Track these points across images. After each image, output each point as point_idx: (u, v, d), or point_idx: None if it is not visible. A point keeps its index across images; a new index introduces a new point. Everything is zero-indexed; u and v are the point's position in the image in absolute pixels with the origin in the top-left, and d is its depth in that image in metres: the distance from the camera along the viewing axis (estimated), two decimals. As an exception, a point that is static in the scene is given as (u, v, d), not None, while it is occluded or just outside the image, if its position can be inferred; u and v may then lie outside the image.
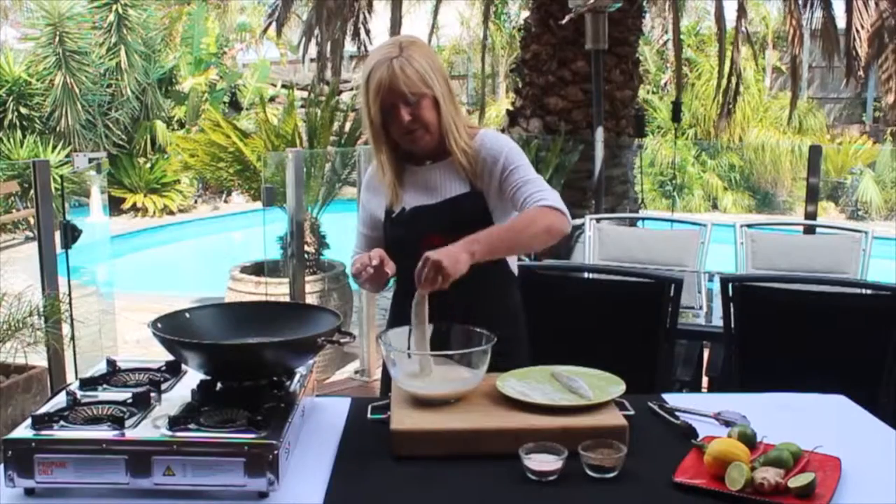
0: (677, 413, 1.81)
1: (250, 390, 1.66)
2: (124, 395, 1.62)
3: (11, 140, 10.34)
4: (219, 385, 1.67)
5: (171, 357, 1.74)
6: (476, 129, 2.09)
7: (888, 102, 8.52)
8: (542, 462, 1.51)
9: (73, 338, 3.97)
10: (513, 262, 2.15)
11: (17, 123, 10.58)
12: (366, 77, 1.96)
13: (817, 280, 2.97)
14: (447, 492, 1.50)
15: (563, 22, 5.15)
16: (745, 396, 2.02)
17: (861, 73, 6.51)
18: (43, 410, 1.54)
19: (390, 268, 1.94)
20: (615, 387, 1.76)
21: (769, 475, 1.45)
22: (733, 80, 6.62)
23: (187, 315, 1.80)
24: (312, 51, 7.26)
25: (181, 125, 12.06)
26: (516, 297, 2.17)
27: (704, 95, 12.59)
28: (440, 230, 1.94)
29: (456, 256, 1.77)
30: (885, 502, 1.47)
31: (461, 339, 1.85)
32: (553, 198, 1.94)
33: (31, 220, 8.93)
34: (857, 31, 6.04)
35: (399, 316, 2.07)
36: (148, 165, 11.75)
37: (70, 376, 3.81)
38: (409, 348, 1.85)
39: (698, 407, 1.85)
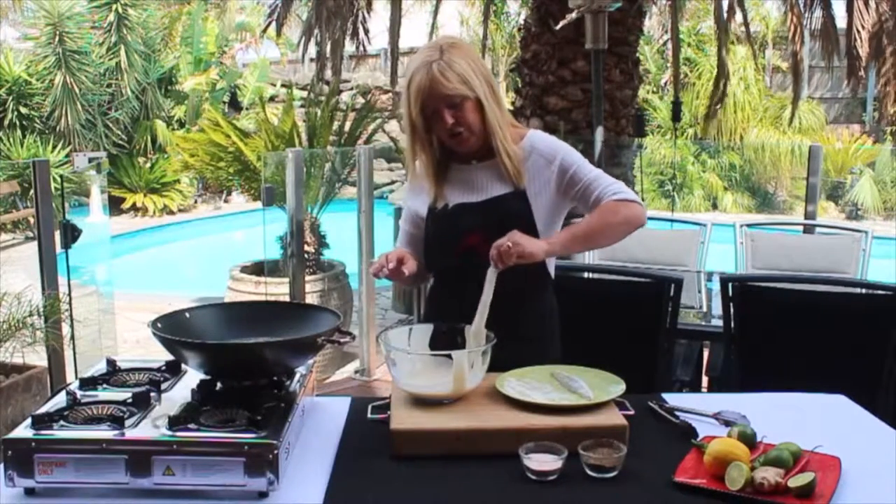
0: (677, 413, 1.81)
1: (250, 390, 1.66)
2: (124, 394, 1.62)
3: (11, 140, 10.34)
4: (219, 385, 1.67)
5: (171, 357, 1.74)
6: (521, 129, 2.09)
7: (888, 104, 8.53)
8: (542, 462, 1.51)
9: (72, 338, 3.97)
10: (550, 264, 2.14)
11: (17, 123, 10.58)
12: (407, 81, 1.96)
13: (817, 280, 2.97)
14: (447, 492, 1.50)
15: (559, 27, 5.14)
16: (745, 396, 2.02)
17: (862, 73, 6.50)
18: (43, 410, 1.54)
19: (409, 267, 1.95)
20: (615, 387, 1.76)
21: (769, 475, 1.45)
22: (722, 81, 6.61)
23: (187, 315, 1.81)
24: (312, 50, 7.26)
25: (181, 125, 12.06)
26: (552, 298, 2.17)
27: (704, 95, 12.58)
28: (481, 228, 1.96)
29: (534, 242, 1.86)
30: (885, 502, 1.47)
31: (461, 339, 1.85)
32: (625, 189, 1.99)
33: (31, 220, 8.93)
34: (858, 31, 6.04)
35: (434, 312, 2.10)
36: (148, 165, 11.75)
37: (70, 376, 3.81)
38: (408, 347, 1.85)
39: (698, 407, 1.85)
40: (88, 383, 1.70)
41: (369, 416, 1.74)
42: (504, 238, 1.83)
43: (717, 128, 12.48)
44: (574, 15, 4.39)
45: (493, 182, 2.04)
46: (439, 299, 2.15)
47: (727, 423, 1.76)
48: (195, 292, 6.60)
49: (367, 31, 7.26)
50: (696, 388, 3.43)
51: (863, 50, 6.09)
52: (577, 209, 2.07)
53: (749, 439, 1.60)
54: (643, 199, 2.10)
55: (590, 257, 4.36)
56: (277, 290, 4.98)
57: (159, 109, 11.81)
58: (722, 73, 6.53)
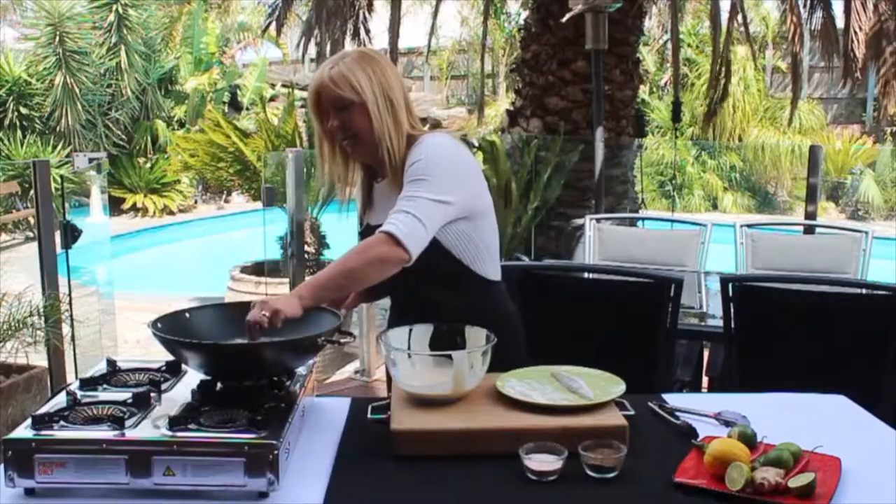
0: (677, 413, 1.81)
1: (250, 390, 1.66)
2: (124, 395, 1.62)
3: (11, 140, 10.35)
4: (219, 385, 1.67)
5: (171, 357, 1.74)
6: (417, 137, 1.99)
7: (888, 104, 8.52)
8: (542, 462, 1.51)
9: (73, 338, 3.98)
10: (492, 271, 2.09)
11: (17, 123, 10.59)
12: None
13: (817, 280, 2.97)
14: (447, 492, 1.50)
15: (564, 20, 5.14)
16: (745, 396, 2.02)
17: (858, 74, 6.51)
18: (43, 410, 1.54)
19: (347, 304, 2.03)
20: (615, 387, 1.76)
21: (769, 475, 1.45)
22: (721, 80, 6.61)
23: (187, 315, 1.80)
24: (312, 51, 7.26)
25: (181, 125, 12.06)
26: (503, 304, 2.13)
27: (705, 95, 12.59)
28: None
29: (285, 301, 1.72)
30: (885, 502, 1.47)
31: (461, 339, 1.85)
32: (400, 223, 1.82)
33: (31, 220, 8.93)
34: (855, 32, 6.04)
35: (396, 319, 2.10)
36: (148, 165, 11.76)
37: (70, 376, 3.81)
38: (409, 348, 1.85)
39: (698, 407, 1.85)
40: (88, 383, 1.70)
41: (369, 416, 1.74)
42: (256, 310, 1.70)
43: (717, 128, 12.49)
44: (580, 7, 4.39)
45: (393, 198, 1.95)
46: (397, 315, 2.16)
47: (727, 424, 1.75)
48: (195, 292, 6.60)
49: (367, 31, 7.27)
50: (696, 388, 3.43)
51: (859, 51, 6.09)
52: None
53: (749, 439, 1.60)
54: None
55: (590, 257, 4.36)
56: (277, 290, 4.99)
57: (159, 110, 11.81)
58: (722, 72, 6.53)
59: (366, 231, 2.12)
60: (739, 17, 6.70)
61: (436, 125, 6.19)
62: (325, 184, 2.10)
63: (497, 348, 1.77)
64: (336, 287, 1.84)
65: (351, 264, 1.83)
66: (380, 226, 1.87)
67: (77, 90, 10.69)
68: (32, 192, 3.82)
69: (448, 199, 1.91)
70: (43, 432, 1.46)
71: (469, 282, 2.04)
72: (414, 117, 2.03)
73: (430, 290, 2.01)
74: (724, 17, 6.51)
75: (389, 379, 2.16)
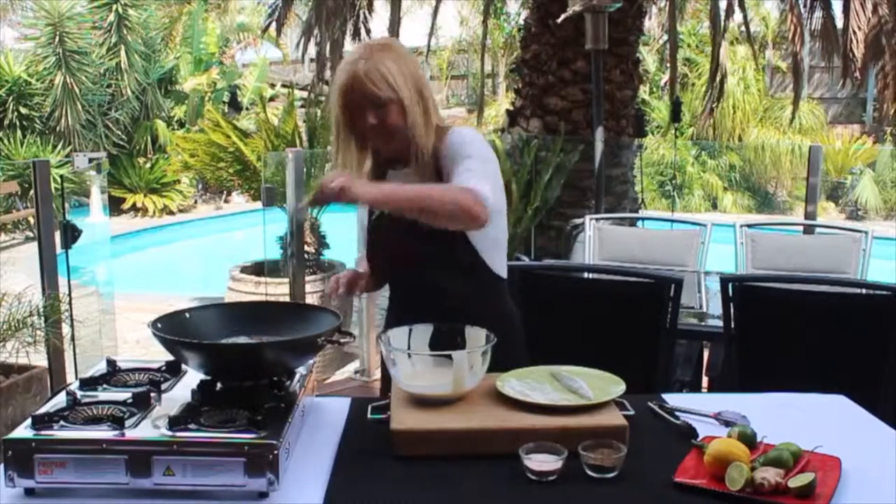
0: (677, 413, 1.81)
1: (250, 390, 1.66)
2: (124, 395, 1.62)
3: (11, 140, 10.34)
4: (219, 385, 1.67)
5: (171, 357, 1.74)
6: (446, 129, 2.02)
7: (887, 104, 8.52)
8: (542, 462, 1.51)
9: (73, 338, 3.98)
10: (500, 266, 2.10)
11: (17, 123, 10.59)
12: (333, 81, 1.96)
13: (817, 280, 2.97)
14: (447, 492, 1.50)
15: (560, 20, 5.14)
16: (745, 396, 2.02)
17: (858, 74, 6.50)
18: (43, 410, 1.54)
19: (361, 287, 2.04)
20: (615, 387, 1.76)
21: (769, 475, 1.45)
22: (717, 79, 6.61)
23: (187, 315, 1.80)
24: (312, 51, 7.26)
25: (181, 125, 12.06)
26: (506, 302, 2.14)
27: (704, 95, 12.59)
28: (414, 236, 1.92)
29: (364, 186, 1.81)
30: (885, 502, 1.47)
31: (461, 339, 1.85)
32: (478, 184, 1.84)
33: (31, 220, 8.93)
34: (854, 32, 6.04)
35: (393, 321, 2.08)
36: (148, 165, 11.75)
37: (70, 376, 3.81)
38: (409, 348, 1.85)
39: (698, 407, 1.85)
40: (88, 383, 1.70)
41: (369, 416, 1.74)
42: (331, 178, 1.76)
43: (717, 128, 12.49)
44: (577, 8, 4.39)
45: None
46: (396, 309, 2.13)
47: (727, 424, 1.75)
48: (195, 292, 6.60)
49: (368, 32, 7.27)
50: (696, 388, 3.43)
51: (858, 51, 6.09)
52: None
53: (749, 439, 1.60)
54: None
55: (590, 257, 4.36)
56: (277, 290, 4.98)
57: (159, 110, 11.81)
58: (718, 71, 6.52)
59: (379, 220, 2.06)
60: (739, 17, 6.70)
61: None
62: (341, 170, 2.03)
63: (497, 346, 1.77)
64: (409, 202, 1.82)
65: (434, 193, 1.83)
66: (397, 217, 1.87)
67: (77, 90, 10.69)
68: (32, 192, 3.82)
69: (496, 187, 1.94)
70: (43, 432, 1.46)
71: (480, 273, 2.04)
72: (437, 108, 2.05)
73: (440, 277, 1.98)
74: (723, 16, 6.51)
75: (384, 379, 2.16)
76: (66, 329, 3.87)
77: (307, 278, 4.97)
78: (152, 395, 1.63)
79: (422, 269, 1.95)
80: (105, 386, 1.71)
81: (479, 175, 1.88)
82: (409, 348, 1.85)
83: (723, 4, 6.47)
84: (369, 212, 2.10)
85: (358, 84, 1.89)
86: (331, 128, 2.02)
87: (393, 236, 2.01)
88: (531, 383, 1.79)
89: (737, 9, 6.57)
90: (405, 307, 1.98)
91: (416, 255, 1.88)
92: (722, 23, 6.46)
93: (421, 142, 1.95)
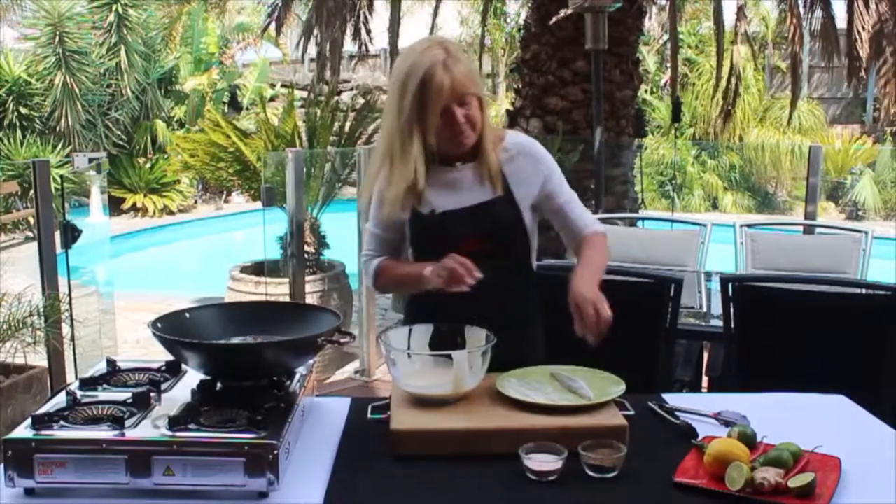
0: (677, 413, 1.81)
1: (250, 390, 1.66)
2: (124, 395, 1.62)
3: (11, 140, 10.34)
4: (219, 385, 1.67)
5: (171, 357, 1.74)
6: (498, 130, 2.10)
7: (887, 104, 8.51)
8: (542, 462, 1.51)
9: (73, 338, 3.97)
10: (534, 261, 2.15)
11: (17, 123, 10.58)
12: (419, 80, 1.87)
13: (817, 280, 2.97)
14: (447, 492, 1.50)
15: (554, 21, 5.13)
16: (745, 396, 2.02)
17: (863, 74, 6.50)
18: (43, 410, 1.54)
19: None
20: (615, 387, 1.76)
21: (769, 475, 1.45)
22: (733, 80, 6.61)
23: (187, 315, 1.80)
24: (312, 51, 7.26)
25: (181, 125, 12.06)
26: (535, 294, 2.16)
27: (704, 95, 12.59)
28: (474, 234, 1.97)
29: (586, 284, 1.91)
30: (885, 502, 1.47)
31: (461, 339, 1.85)
32: (598, 222, 2.11)
33: (31, 220, 8.93)
34: (859, 32, 6.04)
35: (417, 315, 2.06)
36: (148, 165, 11.75)
37: (70, 376, 3.81)
38: (408, 347, 1.85)
39: (698, 407, 1.85)
40: (88, 383, 1.70)
41: (369, 416, 1.74)
42: (589, 310, 1.82)
43: (717, 128, 12.49)
44: (570, 10, 4.38)
45: (475, 185, 2.02)
46: (421, 303, 2.09)
47: (727, 424, 1.76)
48: (195, 292, 6.60)
49: (368, 32, 7.26)
50: (696, 388, 3.43)
51: (863, 50, 6.09)
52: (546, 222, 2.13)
53: (749, 439, 1.60)
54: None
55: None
56: (277, 290, 4.98)
57: (159, 110, 11.81)
58: (733, 72, 6.51)
59: (440, 218, 2.01)
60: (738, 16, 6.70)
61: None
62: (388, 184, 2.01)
63: (526, 338, 1.85)
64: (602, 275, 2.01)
65: (606, 258, 2.07)
66: (454, 211, 1.99)
67: (77, 90, 10.68)
68: (32, 192, 3.81)
69: None
70: (43, 432, 1.46)
71: (526, 265, 2.12)
72: None
73: (494, 269, 1.92)
74: (727, 17, 6.52)
75: None
76: (66, 329, 3.87)
77: (307, 278, 4.97)
78: (152, 395, 1.63)
79: (482, 256, 1.89)
80: (105, 386, 1.71)
81: (574, 196, 2.10)
82: (409, 348, 1.85)
83: (726, 5, 6.47)
84: (414, 208, 2.02)
85: (448, 80, 1.88)
86: (391, 124, 1.96)
87: (451, 234, 1.99)
88: (531, 383, 1.79)
89: (737, 9, 6.57)
90: (440, 301, 1.92)
91: (477, 250, 1.88)
92: (725, 25, 6.46)
93: (490, 136, 2.00)
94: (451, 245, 1.93)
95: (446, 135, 1.95)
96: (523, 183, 2.03)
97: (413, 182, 1.96)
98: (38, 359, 3.79)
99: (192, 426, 1.48)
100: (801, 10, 6.34)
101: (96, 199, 6.19)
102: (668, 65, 12.86)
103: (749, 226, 4.29)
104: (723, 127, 11.14)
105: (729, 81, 6.63)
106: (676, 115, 7.24)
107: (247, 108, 12.38)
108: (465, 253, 1.87)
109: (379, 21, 7.70)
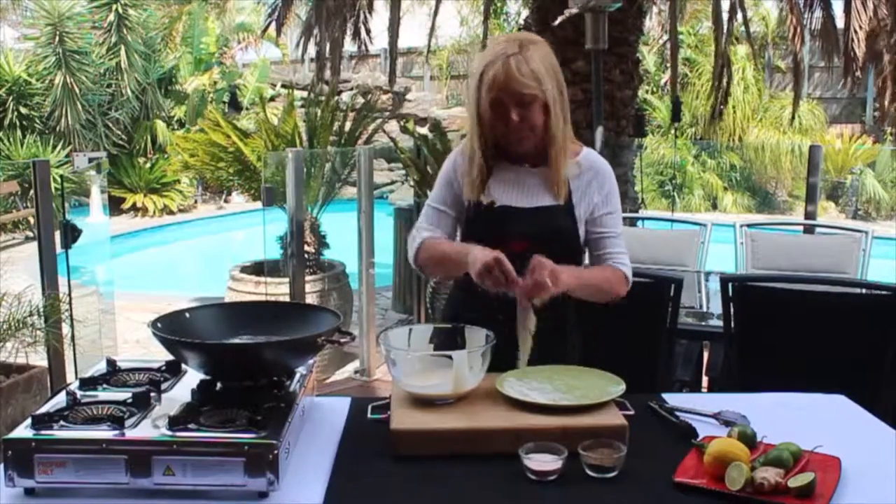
0: (677, 413, 1.81)
1: (250, 390, 1.66)
2: (124, 395, 1.62)
3: (11, 140, 10.34)
4: (219, 385, 1.67)
5: (171, 357, 1.74)
6: (577, 145, 2.07)
7: (886, 103, 8.52)
8: (542, 462, 1.51)
9: (73, 338, 3.97)
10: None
11: (17, 123, 10.58)
12: (479, 71, 1.92)
13: (817, 280, 2.97)
14: (447, 492, 1.50)
15: (556, 23, 5.13)
16: (745, 396, 2.02)
17: (859, 73, 6.50)
18: (43, 410, 1.54)
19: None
20: (615, 387, 1.76)
21: (769, 475, 1.45)
22: (724, 79, 6.60)
23: (187, 315, 1.80)
24: (312, 51, 7.25)
25: (181, 125, 12.06)
26: (574, 309, 2.13)
27: (704, 95, 12.58)
28: (528, 236, 1.95)
29: (569, 273, 1.85)
30: (885, 502, 1.47)
31: (461, 339, 1.85)
32: (629, 266, 2.07)
33: (31, 220, 8.93)
34: (856, 31, 6.03)
35: (459, 307, 2.07)
36: (148, 165, 11.75)
37: (70, 376, 3.81)
38: (408, 347, 1.85)
39: (698, 407, 1.85)
40: (88, 383, 1.70)
41: (369, 416, 1.74)
42: (540, 268, 1.79)
43: (717, 128, 12.48)
44: (573, 10, 4.38)
45: (541, 190, 2.02)
46: (465, 295, 2.07)
47: (727, 423, 1.76)
48: (195, 292, 6.60)
49: (368, 31, 7.25)
50: (696, 388, 3.43)
51: (860, 50, 6.09)
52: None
53: (749, 439, 1.60)
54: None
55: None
56: (277, 290, 4.98)
57: (159, 109, 11.81)
58: (724, 71, 6.51)
59: (499, 212, 2.01)
60: (739, 17, 6.69)
61: (436, 125, 6.18)
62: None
63: (558, 329, 1.88)
64: (586, 290, 1.99)
65: (605, 286, 2.02)
66: (514, 207, 1.99)
67: (77, 90, 10.68)
68: (32, 191, 3.81)
69: None
70: (43, 432, 1.46)
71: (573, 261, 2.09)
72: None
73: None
74: (725, 17, 6.50)
75: None
76: (66, 329, 3.87)
77: (307, 278, 4.97)
78: (152, 395, 1.63)
79: (524, 264, 1.87)
80: (105, 386, 1.71)
81: (622, 239, 2.08)
82: (409, 348, 1.85)
83: (726, 5, 6.46)
84: (475, 195, 2.02)
85: (509, 79, 1.88)
86: (470, 118, 1.99)
87: (504, 230, 2.00)
88: (531, 383, 1.79)
89: (737, 8, 6.56)
90: (482, 300, 1.92)
91: (525, 252, 1.87)
92: (724, 25, 6.46)
93: (562, 146, 1.97)
94: (502, 241, 1.92)
95: (500, 130, 1.96)
96: (585, 199, 2.03)
97: (475, 169, 2.00)
98: (38, 359, 3.79)
99: (192, 426, 1.48)
100: (801, 9, 6.33)
101: (96, 199, 6.20)
102: (668, 65, 12.86)
103: (749, 226, 4.29)
104: (713, 125, 11.09)
105: (720, 80, 6.62)
106: (676, 114, 7.23)
107: (247, 108, 12.38)
108: (514, 253, 1.86)
109: (379, 21, 7.69)
